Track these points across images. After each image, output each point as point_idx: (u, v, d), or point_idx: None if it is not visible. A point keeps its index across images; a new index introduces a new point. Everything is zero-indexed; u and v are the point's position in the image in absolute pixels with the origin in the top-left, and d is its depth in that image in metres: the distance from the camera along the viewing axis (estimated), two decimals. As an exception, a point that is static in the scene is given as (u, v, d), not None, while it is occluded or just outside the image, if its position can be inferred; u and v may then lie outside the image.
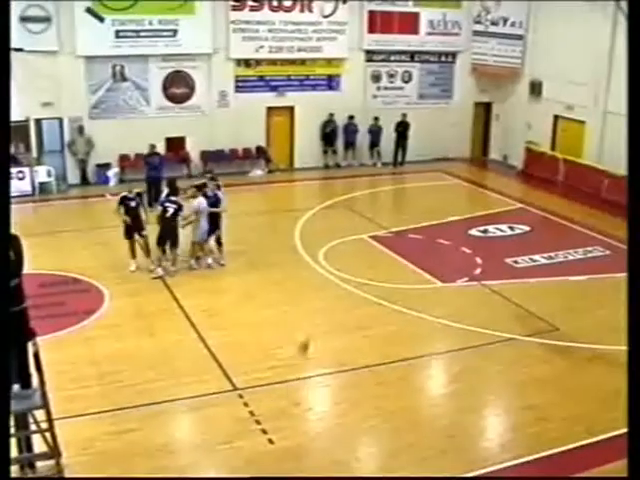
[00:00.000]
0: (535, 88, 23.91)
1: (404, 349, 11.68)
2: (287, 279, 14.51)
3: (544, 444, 9.18)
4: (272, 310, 13.12)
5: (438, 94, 25.64)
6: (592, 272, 15.07)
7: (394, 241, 16.85)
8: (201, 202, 14.40)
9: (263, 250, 15.77)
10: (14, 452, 7.79)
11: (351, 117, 23.93)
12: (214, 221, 14.72)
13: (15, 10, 19.22)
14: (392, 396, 10.35)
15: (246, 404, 10.01)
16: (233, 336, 12.05)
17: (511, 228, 18.08)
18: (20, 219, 15.40)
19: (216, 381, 10.58)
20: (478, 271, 15.13)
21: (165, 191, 14.88)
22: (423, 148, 24.76)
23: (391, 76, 24.89)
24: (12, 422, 7.58)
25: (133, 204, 14.50)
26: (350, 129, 24.13)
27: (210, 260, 14.84)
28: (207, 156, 22.62)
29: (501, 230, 18.00)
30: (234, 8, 22.08)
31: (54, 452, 7.63)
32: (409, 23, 24.31)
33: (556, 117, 23.38)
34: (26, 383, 7.65)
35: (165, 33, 21.39)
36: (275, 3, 22.52)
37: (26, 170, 20.08)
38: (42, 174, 20.49)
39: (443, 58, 25.37)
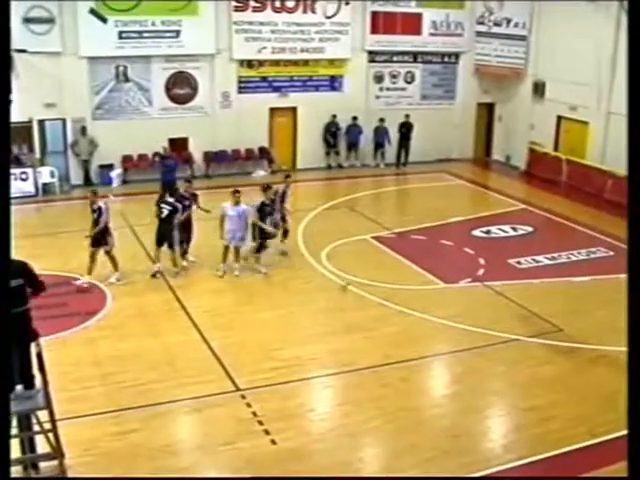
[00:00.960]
0: (538, 89, 23.89)
1: (407, 350, 11.67)
2: (290, 280, 14.51)
3: (547, 445, 9.17)
4: (275, 311, 13.13)
5: (441, 95, 25.63)
6: (595, 273, 15.05)
7: (397, 242, 16.84)
8: (245, 208, 14.35)
9: (265, 250, 15.74)
10: (18, 453, 7.81)
11: (354, 118, 23.93)
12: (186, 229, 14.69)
13: (18, 11, 19.29)
14: (395, 397, 10.34)
15: (249, 405, 10.01)
16: (236, 337, 12.05)
17: (514, 229, 18.06)
18: (23, 220, 15.48)
19: (219, 382, 10.58)
20: (481, 272, 15.11)
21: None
22: (426, 149, 24.76)
23: (394, 77, 24.89)
24: (15, 423, 7.60)
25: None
26: (353, 130, 24.13)
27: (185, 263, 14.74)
28: (210, 157, 22.64)
29: (504, 231, 17.98)
30: (237, 9, 22.10)
31: (57, 453, 7.65)
32: (412, 24, 24.30)
33: (559, 118, 23.35)
34: (29, 384, 7.66)
35: (168, 34, 21.41)
36: (278, 4, 22.53)
37: (29, 171, 20.12)
38: (45, 175, 20.52)
39: (446, 59, 25.36)
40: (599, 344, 11.84)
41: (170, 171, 19.03)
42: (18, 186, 19.48)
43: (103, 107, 21.36)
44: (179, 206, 14.30)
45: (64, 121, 20.95)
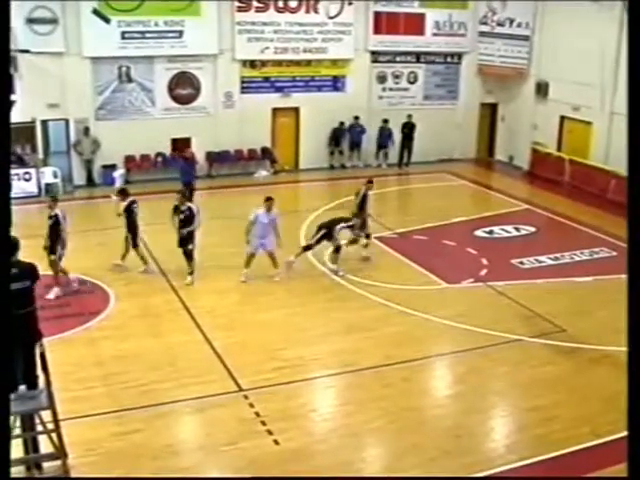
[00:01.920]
0: (541, 89, 23.86)
1: (409, 350, 11.67)
2: (292, 280, 14.51)
3: (550, 445, 9.16)
4: (277, 311, 13.14)
5: (444, 95, 25.62)
6: (598, 273, 15.03)
7: (399, 242, 16.84)
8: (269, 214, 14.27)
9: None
10: (21, 453, 7.82)
11: (356, 118, 23.93)
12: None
13: (22, 12, 19.34)
14: (397, 397, 10.34)
15: (251, 405, 10.02)
16: (238, 337, 12.06)
17: (517, 229, 18.05)
18: (26, 220, 15.49)
19: (221, 382, 10.59)
20: (484, 272, 15.11)
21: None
22: (429, 149, 24.75)
23: (397, 77, 24.88)
24: (19, 423, 7.62)
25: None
26: (356, 130, 24.14)
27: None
28: (212, 157, 22.66)
29: (507, 231, 17.96)
30: (240, 9, 22.12)
31: (60, 453, 7.66)
32: (415, 24, 24.29)
33: (562, 118, 23.33)
34: (32, 384, 7.67)
35: (171, 34, 21.43)
36: (281, 4, 22.55)
37: (32, 171, 20.14)
38: (48, 175, 20.55)
39: (449, 59, 25.35)
40: (602, 344, 11.83)
41: (190, 172, 19.22)
42: (21, 186, 19.52)
43: (106, 107, 21.39)
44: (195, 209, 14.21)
45: (67, 121, 20.99)
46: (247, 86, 22.92)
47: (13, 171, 19.24)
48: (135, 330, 12.25)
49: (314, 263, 15.33)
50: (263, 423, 9.58)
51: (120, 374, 10.68)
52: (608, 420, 9.59)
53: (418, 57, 24.92)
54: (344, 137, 24.10)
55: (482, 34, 24.91)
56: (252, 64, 22.86)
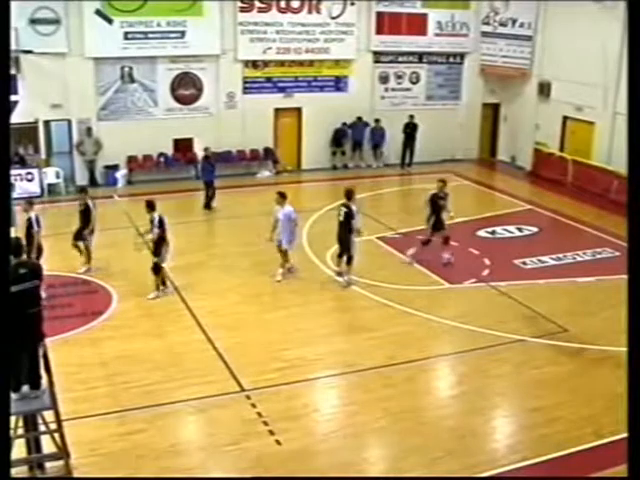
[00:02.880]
0: (544, 89, 23.84)
1: (412, 350, 11.66)
2: (294, 280, 14.51)
3: (552, 446, 9.15)
4: (279, 311, 13.14)
5: (446, 95, 25.60)
6: (601, 273, 15.01)
7: (402, 242, 16.82)
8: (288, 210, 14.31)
9: (270, 251, 15.74)
10: (24, 453, 7.83)
11: (359, 118, 23.93)
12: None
13: (25, 12, 19.35)
14: (400, 397, 10.34)
15: (254, 405, 10.02)
16: (241, 337, 12.06)
17: (519, 229, 18.03)
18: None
19: (223, 382, 10.59)
20: (486, 272, 15.09)
21: None
22: (431, 149, 24.74)
23: (399, 77, 24.87)
24: (21, 423, 7.62)
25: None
26: (358, 130, 24.13)
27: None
28: (215, 157, 22.61)
29: (509, 231, 17.95)
30: (242, 10, 22.13)
31: (63, 453, 7.67)
32: (417, 24, 24.28)
33: (565, 118, 23.30)
34: (35, 384, 7.68)
35: (173, 35, 21.45)
36: (283, 4, 22.55)
37: (35, 171, 20.16)
38: (51, 175, 20.59)
39: (451, 59, 25.33)
40: (605, 345, 11.81)
41: (212, 171, 19.51)
42: (24, 187, 19.53)
43: (108, 108, 21.40)
44: None
45: (69, 122, 21.00)
46: (249, 86, 22.93)
47: (16, 171, 19.28)
48: (138, 330, 12.26)
49: (316, 263, 15.33)
50: (265, 423, 9.58)
51: (122, 374, 10.68)
52: (611, 421, 9.57)
53: (420, 57, 24.91)
54: (346, 138, 24.10)
55: (484, 34, 24.89)
56: (254, 64, 22.86)
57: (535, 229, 18.16)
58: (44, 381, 7.65)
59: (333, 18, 23.19)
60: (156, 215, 13.43)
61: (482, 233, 17.69)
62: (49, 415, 7.68)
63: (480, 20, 24.80)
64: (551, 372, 11.11)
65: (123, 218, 15.55)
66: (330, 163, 24.31)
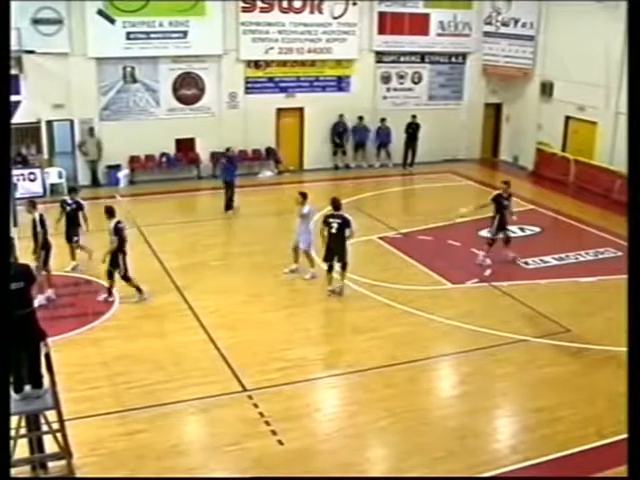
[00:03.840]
0: (546, 89, 23.82)
1: (414, 350, 11.66)
2: (296, 280, 14.51)
3: (555, 446, 9.14)
4: (281, 311, 13.14)
5: (448, 95, 25.59)
6: (603, 273, 14.99)
7: (403, 242, 16.82)
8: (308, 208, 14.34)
9: (272, 251, 15.77)
10: (26, 452, 7.84)
11: (361, 118, 23.93)
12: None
13: (27, 12, 19.38)
14: (402, 397, 10.33)
15: (255, 405, 10.02)
16: (243, 337, 12.06)
17: (522, 229, 17.99)
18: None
19: (225, 382, 10.59)
20: (488, 272, 15.08)
21: None
22: (433, 149, 24.73)
23: (401, 77, 24.87)
24: (24, 423, 7.63)
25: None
26: (360, 130, 24.13)
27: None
28: (217, 157, 22.64)
29: (512, 231, 17.87)
30: (244, 10, 22.13)
31: (65, 453, 7.67)
32: (419, 24, 24.27)
33: (567, 118, 23.28)
34: (37, 384, 7.68)
35: (175, 35, 21.46)
36: (285, 4, 22.55)
37: (37, 171, 20.17)
38: (53, 175, 20.60)
39: (453, 59, 25.32)
40: (607, 345, 11.79)
41: (234, 171, 19.41)
42: (26, 187, 19.55)
43: (111, 108, 21.42)
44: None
45: (72, 122, 21.02)
46: (251, 86, 22.94)
47: (18, 171, 19.31)
48: (139, 330, 12.26)
49: (318, 263, 15.31)
50: (267, 423, 9.58)
51: (124, 374, 10.69)
52: (613, 421, 9.56)
53: (422, 57, 24.90)
54: (345, 133, 24.05)
55: (487, 34, 24.87)
56: (256, 64, 22.87)
57: (537, 229, 18.14)
58: (46, 381, 7.66)
59: (335, 18, 23.19)
60: (112, 223, 13.06)
61: (484, 233, 17.64)
62: (51, 415, 7.68)
63: (482, 20, 24.78)
64: (553, 372, 11.10)
65: (125, 218, 15.47)
66: (332, 163, 24.31)
